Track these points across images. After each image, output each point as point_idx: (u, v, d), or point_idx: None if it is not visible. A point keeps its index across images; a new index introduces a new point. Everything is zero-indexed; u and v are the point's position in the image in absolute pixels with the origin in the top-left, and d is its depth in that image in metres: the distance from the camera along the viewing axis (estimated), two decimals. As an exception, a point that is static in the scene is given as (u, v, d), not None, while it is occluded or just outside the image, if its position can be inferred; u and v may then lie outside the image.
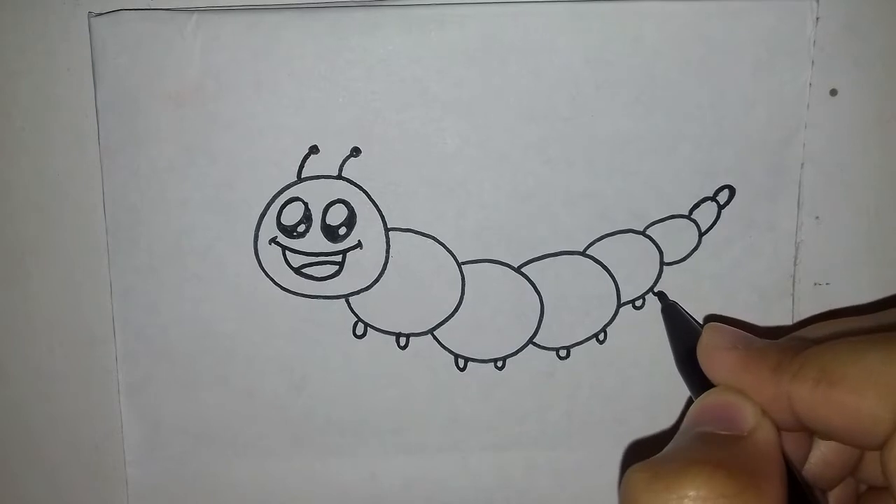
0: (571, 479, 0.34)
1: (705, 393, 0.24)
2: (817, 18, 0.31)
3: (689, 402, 0.25)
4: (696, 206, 0.32)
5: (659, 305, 0.32)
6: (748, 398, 0.23)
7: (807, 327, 0.25)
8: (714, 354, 0.25)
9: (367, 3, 0.31)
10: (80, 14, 0.31)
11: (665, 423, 0.34)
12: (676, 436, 0.24)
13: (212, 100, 0.31)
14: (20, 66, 0.31)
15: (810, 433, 0.25)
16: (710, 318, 0.33)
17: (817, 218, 0.33)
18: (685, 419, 0.24)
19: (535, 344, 0.33)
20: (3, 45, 0.31)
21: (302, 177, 0.32)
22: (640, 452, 0.34)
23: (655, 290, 0.33)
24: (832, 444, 0.25)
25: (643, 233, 0.33)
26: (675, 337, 0.30)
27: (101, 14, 0.31)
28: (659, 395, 0.34)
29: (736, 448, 0.22)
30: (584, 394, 0.34)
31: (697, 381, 0.26)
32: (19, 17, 0.31)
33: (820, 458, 0.25)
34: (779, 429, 0.23)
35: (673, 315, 0.31)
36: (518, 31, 0.31)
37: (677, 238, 0.33)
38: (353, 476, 0.34)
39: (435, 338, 0.33)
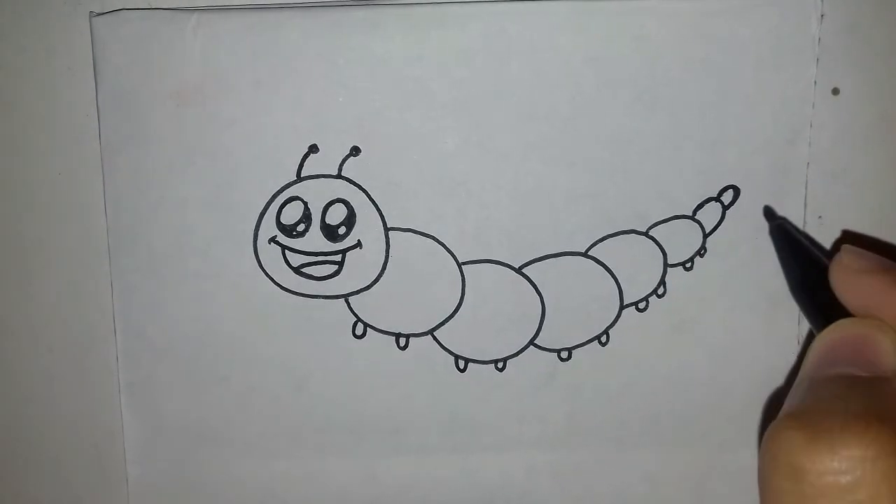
0: (572, 480, 0.34)
1: (835, 325, 0.22)
2: (822, 16, 0.31)
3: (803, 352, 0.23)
4: (700, 206, 0.32)
5: (767, 226, 0.31)
6: (887, 330, 0.21)
7: None
8: (855, 277, 0.23)
9: (368, 3, 0.31)
10: (81, 13, 0.31)
11: (668, 425, 0.34)
12: (803, 377, 0.22)
13: (212, 99, 0.31)
14: (20, 66, 0.31)
15: None
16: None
17: (820, 217, 0.32)
18: (812, 355, 0.22)
19: (535, 345, 0.33)
20: (3, 45, 0.31)
21: (301, 176, 0.31)
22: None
23: (764, 206, 0.31)
24: None
25: (646, 234, 0.32)
26: (789, 260, 0.27)
27: (101, 14, 0.31)
28: (661, 398, 0.33)
29: (888, 394, 0.20)
30: (585, 396, 0.33)
31: (821, 308, 0.24)
32: (19, 17, 0.31)
33: None
34: None
35: (784, 235, 0.29)
36: (519, 30, 0.31)
37: (681, 239, 0.32)
38: (353, 476, 0.34)
39: (435, 338, 0.33)
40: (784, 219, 0.31)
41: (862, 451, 0.18)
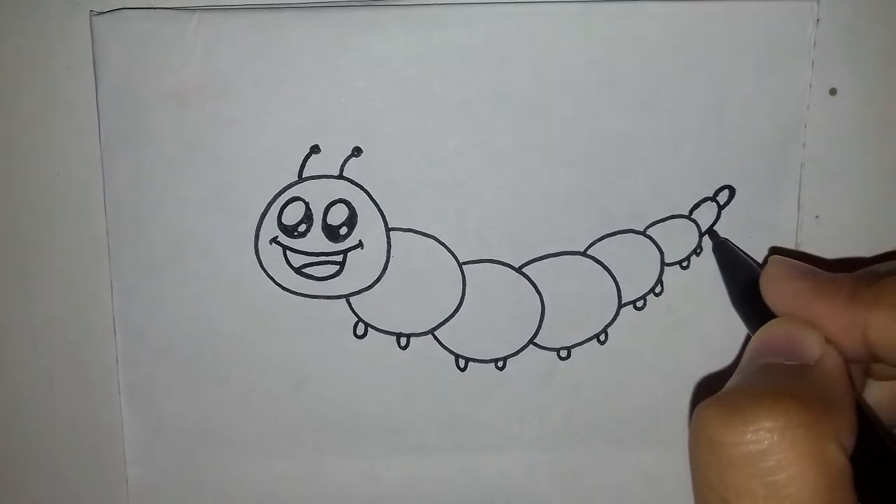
0: (571, 479, 0.34)
1: (768, 324, 0.24)
2: (818, 20, 0.31)
3: (747, 340, 0.25)
4: (697, 206, 0.32)
5: (710, 244, 0.32)
6: (811, 327, 0.23)
7: (876, 264, 0.25)
8: (781, 284, 0.24)
9: (369, 3, 0.31)
10: (81, 13, 0.31)
11: (666, 423, 0.34)
12: (738, 369, 0.23)
13: (213, 99, 0.31)
14: (20, 66, 0.31)
15: (865, 372, 0.25)
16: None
17: (817, 217, 0.33)
18: (746, 352, 0.24)
19: (535, 344, 0.33)
20: (3, 45, 0.31)
21: (303, 176, 0.31)
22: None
23: (709, 229, 0.33)
24: (886, 385, 0.25)
25: (644, 233, 0.33)
26: (729, 273, 0.30)
27: (102, 13, 0.30)
28: (660, 397, 0.34)
29: (806, 377, 0.22)
30: (584, 394, 0.34)
31: (756, 314, 0.26)
32: (19, 17, 0.31)
33: (872, 400, 0.25)
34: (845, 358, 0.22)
35: (725, 252, 0.31)
36: (520, 31, 0.31)
37: (678, 238, 0.33)
38: (353, 476, 0.34)
39: (435, 338, 0.33)
40: (726, 238, 0.32)
41: (772, 423, 0.19)
